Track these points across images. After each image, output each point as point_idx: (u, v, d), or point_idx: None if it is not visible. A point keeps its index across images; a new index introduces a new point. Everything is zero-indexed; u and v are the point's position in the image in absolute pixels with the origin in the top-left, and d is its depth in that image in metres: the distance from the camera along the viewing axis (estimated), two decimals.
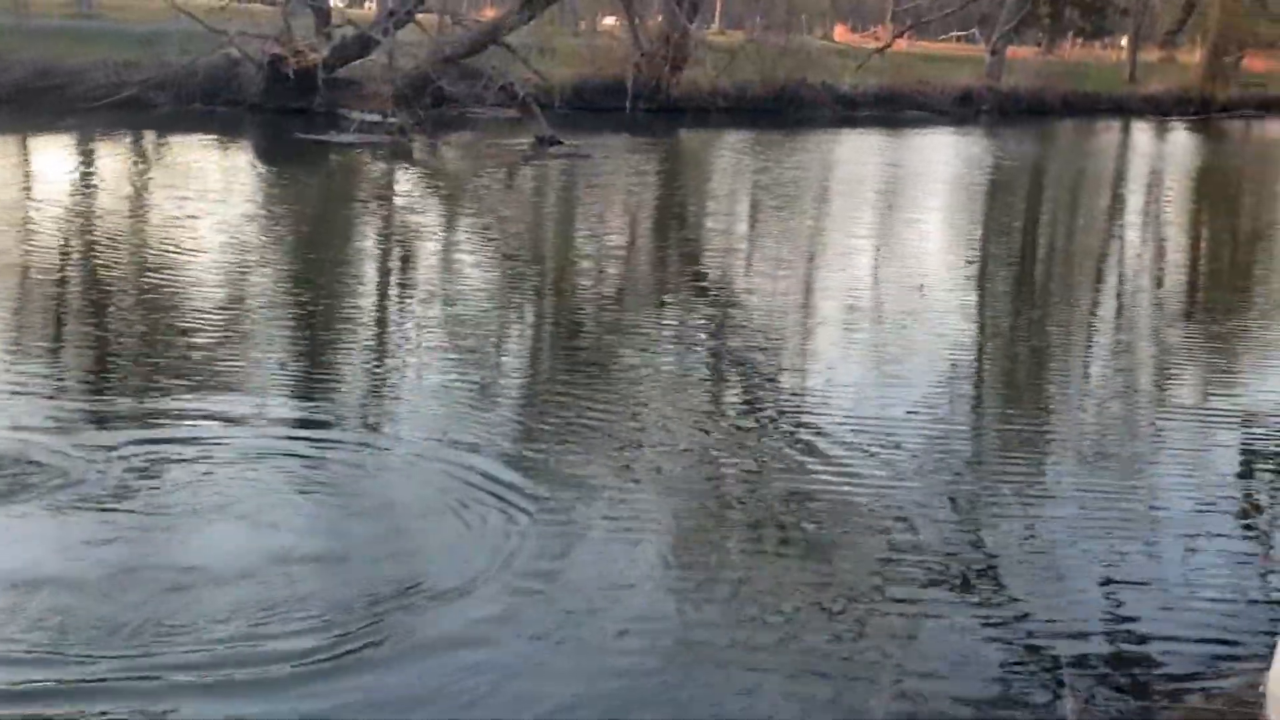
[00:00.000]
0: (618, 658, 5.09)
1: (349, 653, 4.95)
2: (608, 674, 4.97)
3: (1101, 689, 5.02)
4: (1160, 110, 43.15)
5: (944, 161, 27.22)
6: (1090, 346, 11.00)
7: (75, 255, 12.45)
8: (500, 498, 6.49)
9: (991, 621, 5.57)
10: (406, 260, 13.52)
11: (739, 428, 8.06)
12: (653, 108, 30.43)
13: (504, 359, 9.65)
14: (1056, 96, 42.37)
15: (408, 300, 11.55)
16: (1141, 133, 38.56)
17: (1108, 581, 6.02)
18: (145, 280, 11.33)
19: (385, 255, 13.98)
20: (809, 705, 4.83)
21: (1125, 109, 43.44)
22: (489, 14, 33.23)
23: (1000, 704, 4.91)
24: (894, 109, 36.55)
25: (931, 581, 5.89)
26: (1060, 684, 4.97)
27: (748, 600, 5.62)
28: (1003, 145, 30.81)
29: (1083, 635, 5.46)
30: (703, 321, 11.14)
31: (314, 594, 5.37)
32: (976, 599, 5.79)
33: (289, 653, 4.92)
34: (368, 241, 14.77)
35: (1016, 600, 5.79)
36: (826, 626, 5.42)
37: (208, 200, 15.83)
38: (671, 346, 10.16)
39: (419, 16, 26.07)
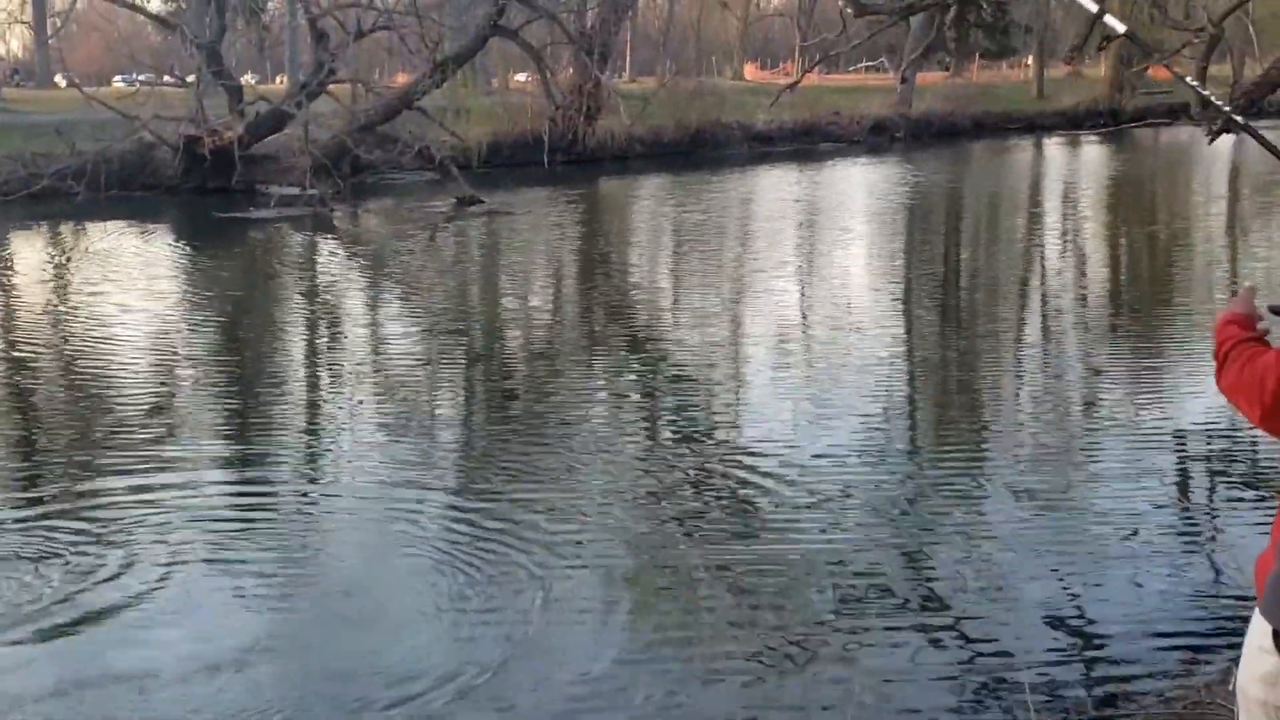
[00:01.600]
0: None
1: None
2: None
3: (1064, 700, 5.09)
4: (1071, 124, 44.12)
5: (861, 191, 27.60)
6: (1019, 372, 11.14)
7: None
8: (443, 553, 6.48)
9: (943, 646, 5.63)
10: (333, 330, 13.45)
11: (676, 477, 8.08)
12: (570, 159, 30.66)
13: (436, 423, 9.62)
14: (968, 118, 43.24)
15: (335, 370, 11.48)
16: (1054, 147, 39.35)
17: (1054, 603, 6.10)
18: (70, 366, 11.23)
19: (311, 327, 13.90)
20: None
21: (1036, 125, 44.38)
22: (400, 79, 33.30)
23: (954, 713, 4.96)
24: (809, 142, 37.10)
25: (880, 614, 5.95)
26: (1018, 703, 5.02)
27: (693, 657, 5.64)
28: (918, 170, 31.31)
29: (1038, 657, 5.52)
30: (633, 373, 11.19)
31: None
32: (927, 628, 5.85)
33: None
34: (293, 315, 14.67)
35: (967, 626, 5.87)
36: (781, 665, 5.46)
37: (129, 286, 15.69)
38: (602, 400, 10.21)
39: (331, 86, 26.08)
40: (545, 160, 29.67)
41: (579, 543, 6.79)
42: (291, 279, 17.26)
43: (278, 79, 53.82)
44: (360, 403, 10.04)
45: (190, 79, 26.15)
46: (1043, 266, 17.57)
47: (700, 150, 33.87)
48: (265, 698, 5.20)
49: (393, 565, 6.58)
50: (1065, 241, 20.15)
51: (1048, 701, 5.05)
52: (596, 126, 31.98)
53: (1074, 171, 32.81)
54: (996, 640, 5.66)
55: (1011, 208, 25.27)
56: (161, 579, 6.38)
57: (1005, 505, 7.38)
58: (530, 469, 8.08)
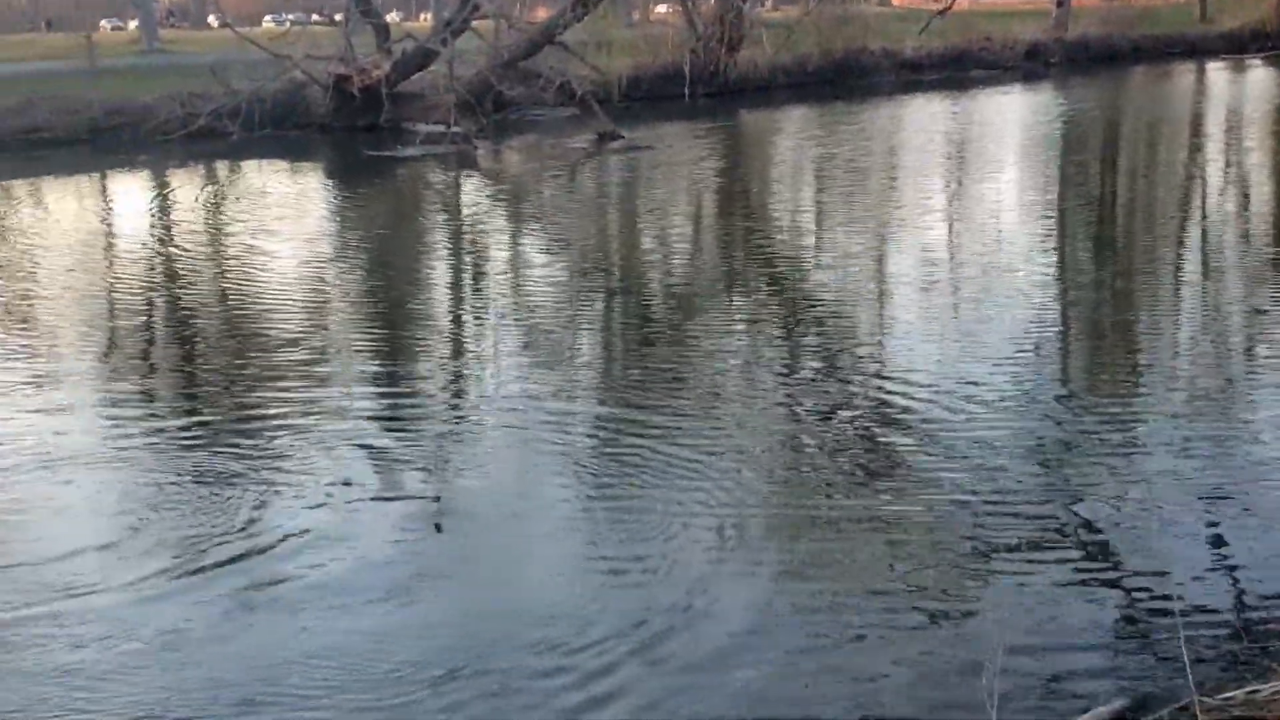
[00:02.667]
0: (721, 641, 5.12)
1: None
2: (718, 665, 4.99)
3: (1215, 643, 4.96)
4: (1236, 47, 41.93)
5: (1014, 120, 26.77)
6: (1176, 310, 10.72)
7: (160, 283, 12.78)
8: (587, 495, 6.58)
9: (1094, 584, 5.52)
10: (476, 265, 13.64)
11: (816, 418, 8.02)
12: (712, 91, 30.31)
13: (578, 355, 9.71)
14: (1126, 42, 41.48)
15: (479, 303, 11.66)
16: (1218, 72, 37.51)
17: (1211, 544, 5.92)
18: (229, 297, 11.71)
19: (456, 261, 14.12)
20: (922, 674, 4.84)
21: (1199, 49, 42.29)
22: (542, 14, 33.29)
23: (1110, 673, 4.86)
24: (959, 69, 36.02)
25: (1030, 536, 5.85)
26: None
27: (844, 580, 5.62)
28: (1073, 98, 30.20)
29: (1193, 597, 5.38)
30: (773, 310, 11.10)
31: None
32: (1078, 558, 5.73)
33: None
34: (438, 250, 14.92)
35: (1121, 558, 5.73)
36: (932, 595, 5.41)
37: (282, 222, 16.17)
38: (741, 337, 10.15)
39: (475, 23, 26.23)
40: (686, 93, 29.42)
41: (723, 484, 6.78)
42: (436, 215, 17.54)
43: (422, 16, 54.41)
44: (503, 333, 10.26)
45: (338, 18, 26.56)
46: (1203, 199, 16.83)
47: (846, 80, 33.15)
48: (430, 631, 5.35)
49: (539, 496, 6.70)
50: (1228, 173, 19.23)
51: (1204, 656, 4.90)
52: (738, 57, 31.51)
53: (1238, 98, 31.23)
54: (1151, 591, 5.50)
55: (1171, 137, 24.20)
56: (319, 504, 6.62)
57: (1160, 452, 7.14)
58: (670, 405, 8.10)
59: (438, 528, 5.69)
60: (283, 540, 6.23)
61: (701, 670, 4.97)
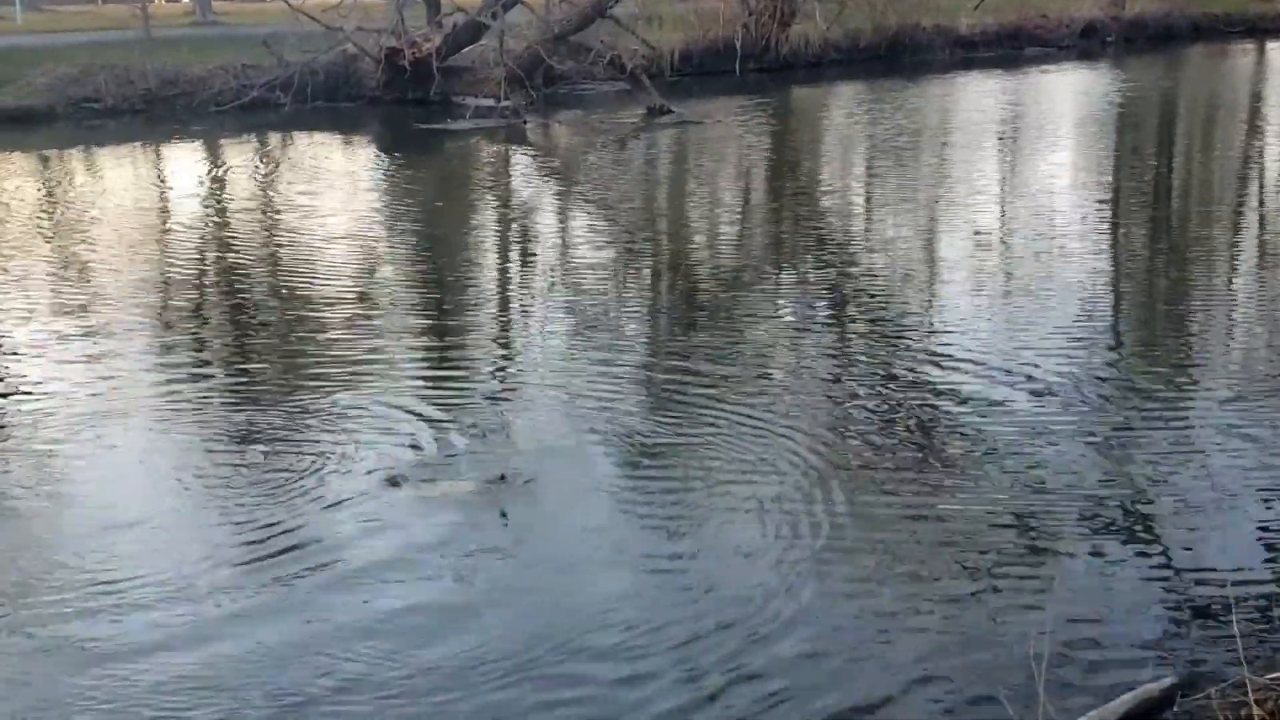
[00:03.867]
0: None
1: None
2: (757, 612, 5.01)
3: (1269, 623, 4.94)
4: None
5: (1069, 98, 26.42)
6: (1232, 295, 10.58)
7: (211, 248, 12.94)
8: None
9: (1148, 566, 5.50)
10: (524, 238, 13.69)
11: (863, 398, 8.00)
12: (762, 67, 30.10)
13: (625, 328, 9.74)
14: (1185, 20, 40.75)
15: (528, 275, 11.72)
16: (1279, 53, 36.85)
17: (1267, 527, 5.86)
18: (279, 267, 11.85)
19: (504, 234, 14.18)
20: (965, 645, 4.85)
21: (1259, 29, 41.48)
22: None
23: (1162, 652, 4.84)
24: (1014, 46, 35.56)
25: (1082, 519, 5.82)
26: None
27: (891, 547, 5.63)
28: (1130, 76, 29.75)
29: (1246, 578, 5.34)
30: (821, 288, 11.06)
31: None
32: (1131, 539, 5.70)
33: None
34: (487, 223, 14.97)
35: (1173, 540, 5.69)
36: (983, 573, 5.40)
37: (334, 194, 16.30)
38: (789, 314, 10.13)
39: None
40: (737, 68, 29.25)
41: (768, 463, 6.78)
42: (486, 188, 17.58)
43: None
44: (552, 305, 10.33)
45: None
46: (1261, 182, 16.56)
47: (898, 56, 32.81)
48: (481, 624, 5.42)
49: (582, 465, 6.73)
50: None
51: (1257, 636, 4.87)
52: (790, 32, 31.27)
53: None
54: (1205, 574, 5.46)
55: (1230, 117, 23.80)
56: (369, 472, 6.69)
57: (1217, 437, 7.06)
58: (717, 379, 8.12)
59: (503, 514, 5.66)
60: (333, 507, 6.31)
61: (762, 639, 5.00)
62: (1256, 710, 3.87)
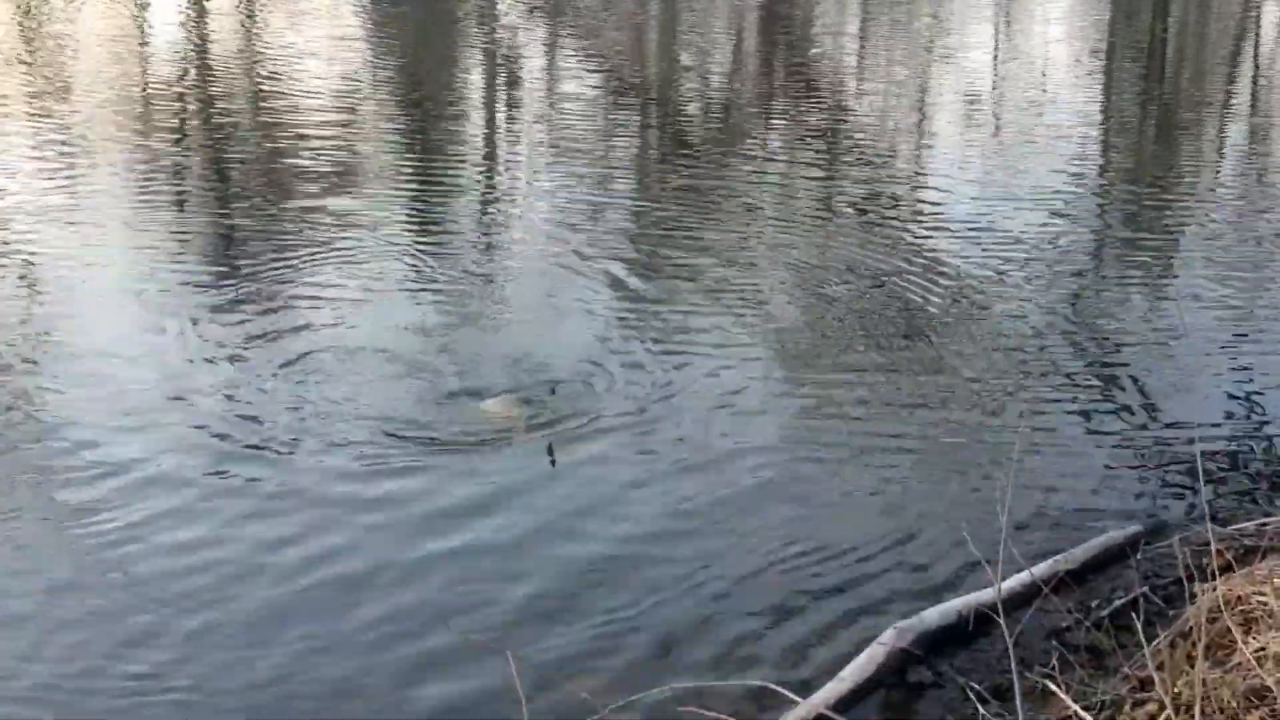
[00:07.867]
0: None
1: None
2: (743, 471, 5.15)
3: (1232, 479, 5.07)
4: None
5: None
6: (1222, 150, 10.53)
7: (190, 80, 12.76)
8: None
9: (1119, 425, 5.61)
10: (511, 80, 13.46)
11: (852, 248, 7.96)
12: None
13: (609, 177, 9.66)
14: None
15: (513, 119, 11.56)
16: None
17: (1236, 389, 5.97)
18: (262, 104, 11.68)
19: (490, 75, 13.93)
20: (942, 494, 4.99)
21: None
22: None
23: (1129, 504, 4.96)
24: None
25: (1062, 389, 5.92)
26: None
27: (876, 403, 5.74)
28: None
29: (1215, 439, 5.47)
30: (811, 141, 10.92)
31: None
32: (1107, 407, 5.79)
33: None
34: (472, 64, 14.70)
35: (1146, 406, 5.79)
36: (957, 430, 5.51)
37: (318, 26, 15.96)
38: (778, 167, 10.05)
39: None
40: None
41: (750, 325, 6.72)
42: (471, 29, 17.18)
43: None
44: (538, 146, 10.24)
45: None
46: (1257, 34, 16.35)
47: None
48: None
49: (558, 309, 6.79)
50: None
51: (1220, 491, 5.00)
52: None
53: None
54: (1175, 432, 5.54)
55: None
56: (354, 300, 6.74)
57: (1193, 305, 7.08)
58: (701, 235, 8.06)
59: (552, 462, 5.47)
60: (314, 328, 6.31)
61: (753, 497, 5.07)
62: (1218, 560, 3.97)
